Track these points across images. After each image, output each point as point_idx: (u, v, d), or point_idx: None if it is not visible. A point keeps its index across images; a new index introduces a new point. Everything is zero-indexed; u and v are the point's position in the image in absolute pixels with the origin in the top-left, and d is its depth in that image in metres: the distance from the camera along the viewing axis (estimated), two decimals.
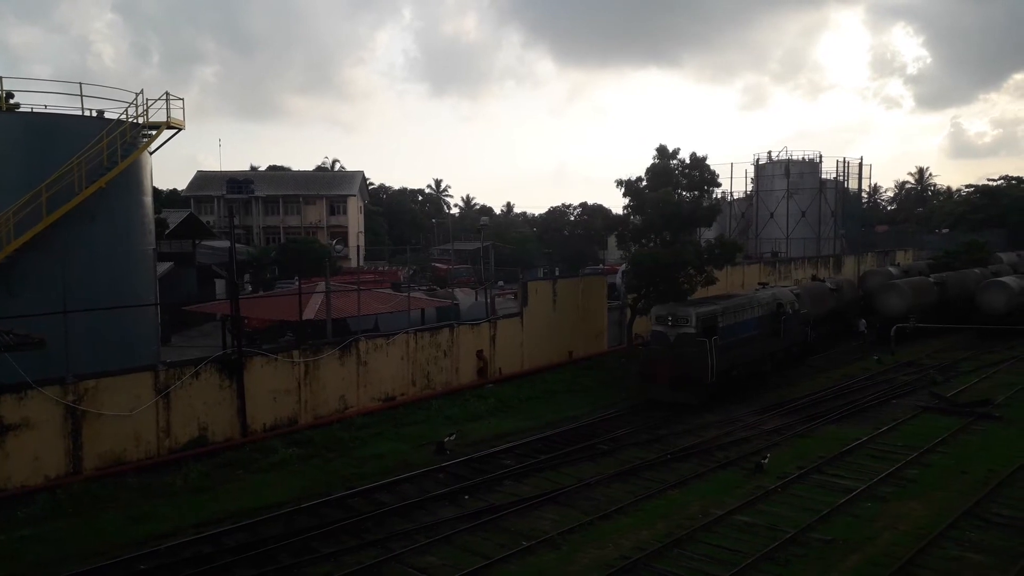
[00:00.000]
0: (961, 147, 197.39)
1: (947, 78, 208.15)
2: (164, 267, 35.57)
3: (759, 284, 36.83)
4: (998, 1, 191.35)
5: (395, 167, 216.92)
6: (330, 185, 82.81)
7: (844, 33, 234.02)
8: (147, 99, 24.71)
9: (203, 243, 49.07)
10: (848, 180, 68.74)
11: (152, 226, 26.78)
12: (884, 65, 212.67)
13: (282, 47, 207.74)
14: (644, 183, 32.65)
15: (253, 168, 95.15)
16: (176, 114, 25.27)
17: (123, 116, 24.23)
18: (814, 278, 46.20)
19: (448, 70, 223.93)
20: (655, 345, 27.00)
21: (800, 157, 66.78)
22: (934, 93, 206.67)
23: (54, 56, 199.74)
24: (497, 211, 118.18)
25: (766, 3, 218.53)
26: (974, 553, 14.71)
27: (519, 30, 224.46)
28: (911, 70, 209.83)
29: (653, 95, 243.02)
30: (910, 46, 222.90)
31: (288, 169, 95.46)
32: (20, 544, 15.42)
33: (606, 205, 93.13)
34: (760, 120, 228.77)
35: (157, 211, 34.95)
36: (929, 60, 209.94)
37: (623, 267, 37.71)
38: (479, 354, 29.17)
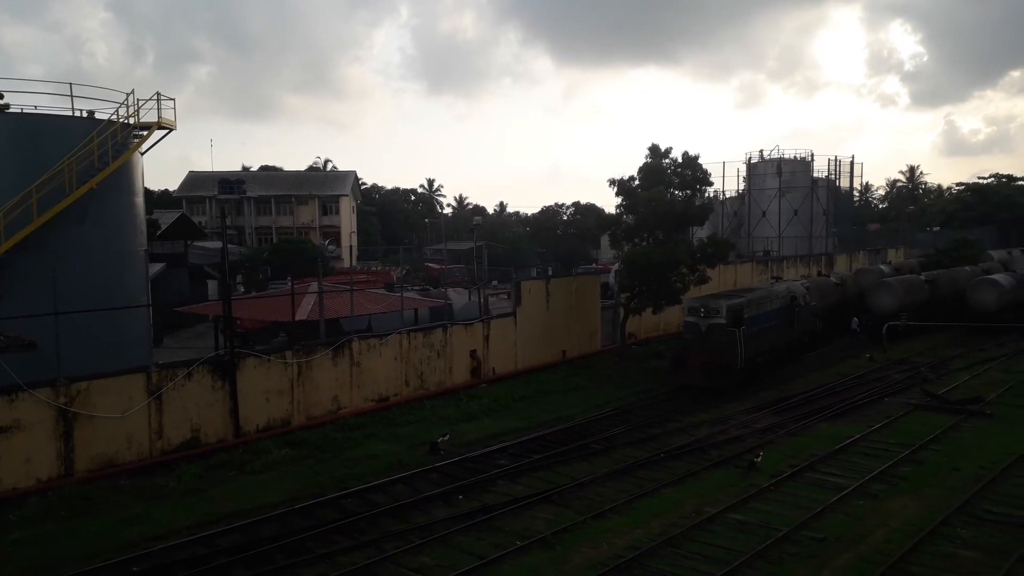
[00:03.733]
0: (955, 144, 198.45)
1: (943, 75, 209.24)
2: (156, 268, 35.48)
3: (773, 278, 39.29)
4: None
5: (388, 167, 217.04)
6: (323, 185, 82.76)
7: (841, 30, 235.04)
8: (138, 99, 24.63)
9: (195, 244, 48.95)
10: (840, 179, 69.12)
11: (144, 227, 26.66)
12: (881, 62, 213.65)
13: (277, 46, 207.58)
14: (637, 182, 32.77)
15: (245, 168, 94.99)
16: (167, 114, 25.20)
17: (114, 116, 24.14)
18: (820, 273, 48.09)
19: (445, 68, 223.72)
20: (687, 335, 28.37)
21: (792, 156, 67.15)
22: (930, 90, 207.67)
23: (48, 55, 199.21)
24: (490, 211, 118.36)
25: (765, 0, 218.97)
26: (966, 550, 14.79)
27: (517, 28, 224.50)
28: (908, 67, 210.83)
29: (650, 93, 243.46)
30: (907, 43, 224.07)
31: (280, 169, 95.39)
32: (12, 547, 15.35)
33: (600, 204, 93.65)
34: (755, 118, 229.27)
35: (149, 212, 34.83)
36: (926, 57, 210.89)
37: (616, 266, 37.84)
38: (473, 354, 29.16)
